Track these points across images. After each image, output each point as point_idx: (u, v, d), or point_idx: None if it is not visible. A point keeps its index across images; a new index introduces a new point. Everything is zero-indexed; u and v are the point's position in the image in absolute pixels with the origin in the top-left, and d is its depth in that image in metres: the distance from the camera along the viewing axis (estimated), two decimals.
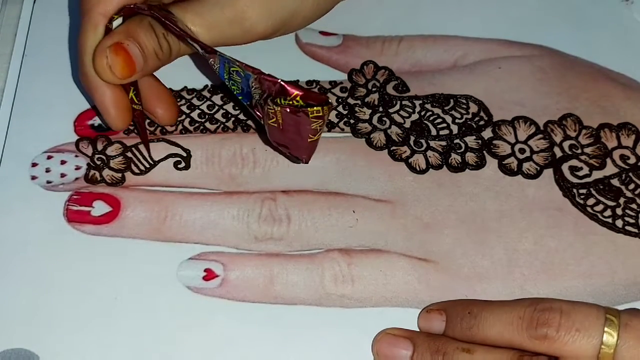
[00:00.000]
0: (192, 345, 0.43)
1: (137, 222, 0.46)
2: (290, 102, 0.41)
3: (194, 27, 0.45)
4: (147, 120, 0.49)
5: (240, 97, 0.44)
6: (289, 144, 0.43)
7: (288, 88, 0.41)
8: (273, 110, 0.41)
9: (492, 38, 0.53)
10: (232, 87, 0.43)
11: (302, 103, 0.41)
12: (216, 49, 0.43)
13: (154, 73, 0.47)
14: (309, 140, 0.42)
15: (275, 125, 0.42)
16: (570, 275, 0.45)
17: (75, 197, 0.47)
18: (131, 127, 0.49)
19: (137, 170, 0.48)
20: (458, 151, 0.49)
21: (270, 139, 0.44)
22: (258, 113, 0.43)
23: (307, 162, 0.44)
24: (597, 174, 0.48)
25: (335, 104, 0.51)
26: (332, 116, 0.50)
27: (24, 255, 0.45)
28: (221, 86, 0.51)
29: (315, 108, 0.40)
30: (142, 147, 0.48)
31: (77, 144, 0.49)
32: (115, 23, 0.45)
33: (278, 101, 0.41)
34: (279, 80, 0.41)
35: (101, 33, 0.45)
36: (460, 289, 0.45)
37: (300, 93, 0.41)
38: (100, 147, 0.49)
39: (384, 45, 0.53)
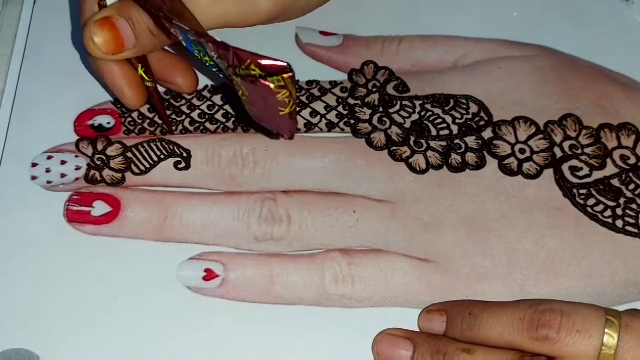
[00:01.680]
0: (192, 345, 0.43)
1: (137, 222, 0.46)
2: (248, 72, 0.38)
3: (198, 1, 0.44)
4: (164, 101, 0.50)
5: (215, 70, 0.41)
6: (264, 119, 0.42)
7: (240, 54, 0.38)
8: (236, 82, 0.39)
9: (492, 38, 0.53)
10: (204, 58, 0.41)
11: (259, 72, 0.37)
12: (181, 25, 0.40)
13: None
14: (280, 113, 0.39)
15: (245, 98, 0.39)
16: (570, 275, 0.45)
17: (75, 197, 0.47)
18: (131, 127, 0.49)
19: (137, 170, 0.48)
20: (458, 151, 0.49)
21: (250, 115, 0.42)
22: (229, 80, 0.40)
23: (289, 138, 0.41)
24: (597, 174, 0.48)
25: (335, 103, 0.51)
26: (332, 116, 0.50)
27: (24, 255, 0.45)
28: (221, 86, 0.51)
29: (274, 77, 0.37)
30: (141, 147, 0.49)
31: (77, 144, 0.49)
32: (110, 1, 0.45)
33: (237, 71, 0.38)
34: (231, 48, 0.38)
35: (93, 12, 0.45)
36: (460, 289, 0.45)
37: (252, 58, 0.37)
38: (100, 147, 0.49)
39: (384, 45, 0.53)
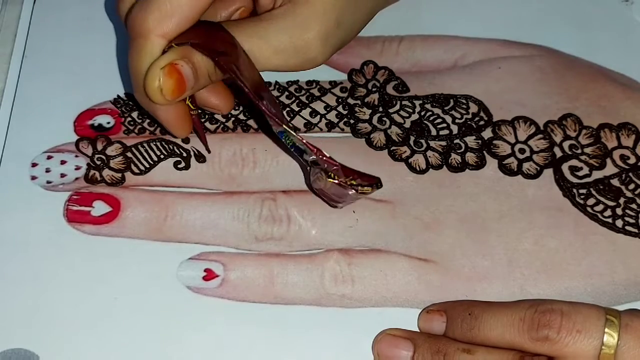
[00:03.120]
0: (192, 345, 0.43)
1: (137, 222, 0.46)
2: (345, 181, 0.42)
3: (259, 52, 0.44)
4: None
5: (291, 149, 0.44)
6: (326, 197, 0.45)
7: (346, 171, 0.42)
8: (321, 176, 0.43)
9: (492, 38, 0.53)
10: (287, 141, 0.43)
11: (355, 182, 0.42)
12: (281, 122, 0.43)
13: None
14: (348, 203, 0.45)
15: (322, 185, 0.43)
16: (570, 275, 0.45)
17: (75, 197, 0.47)
18: (131, 127, 0.49)
19: (137, 170, 0.48)
20: (458, 151, 0.49)
21: (311, 185, 0.45)
22: (304, 162, 0.44)
23: (341, 208, 0.46)
24: (597, 174, 0.48)
25: (335, 103, 0.51)
26: (332, 116, 0.50)
27: (24, 255, 0.45)
28: None
29: (365, 188, 0.42)
30: (141, 147, 0.49)
31: (77, 144, 0.49)
32: None
33: (332, 176, 0.42)
34: (338, 164, 0.42)
35: (157, 55, 0.42)
36: (460, 289, 0.45)
37: (355, 176, 0.42)
38: (100, 147, 0.49)
39: (384, 45, 0.53)
